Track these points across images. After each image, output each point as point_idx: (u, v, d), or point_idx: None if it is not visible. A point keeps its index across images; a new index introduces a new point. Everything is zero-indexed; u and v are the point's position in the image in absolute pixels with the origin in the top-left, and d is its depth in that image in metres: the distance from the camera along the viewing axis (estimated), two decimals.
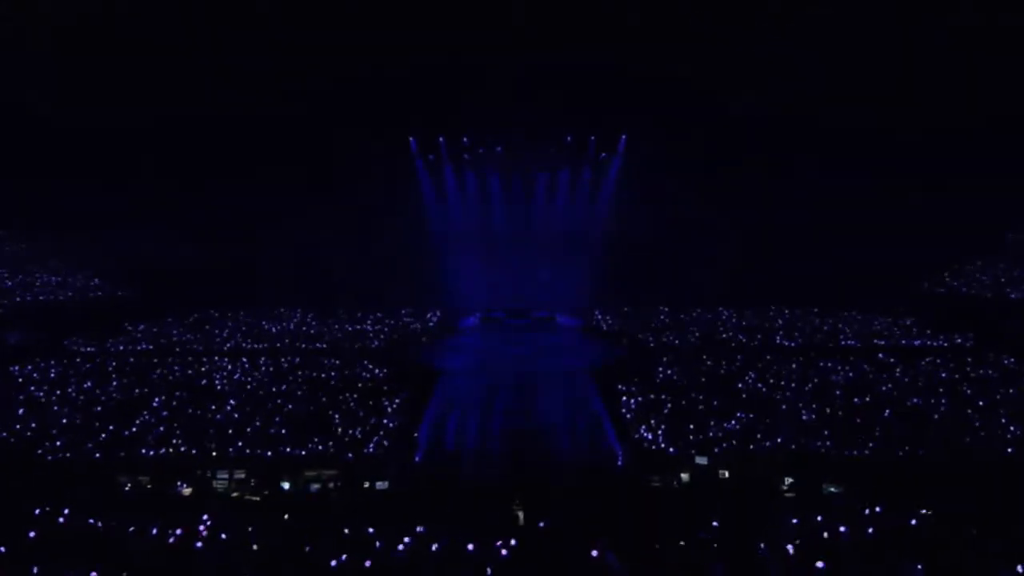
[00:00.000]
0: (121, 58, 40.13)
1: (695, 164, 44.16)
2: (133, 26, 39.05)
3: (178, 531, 13.35)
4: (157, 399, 24.44)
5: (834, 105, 42.52)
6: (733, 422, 21.54)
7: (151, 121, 43.25)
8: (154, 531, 13.46)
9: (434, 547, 12.71)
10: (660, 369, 28.59)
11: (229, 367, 29.64)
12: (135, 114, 42.74)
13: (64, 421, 21.96)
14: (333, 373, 28.49)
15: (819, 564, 11.28)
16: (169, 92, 42.00)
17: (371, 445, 20.14)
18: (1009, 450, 19.12)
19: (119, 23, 38.67)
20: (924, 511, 13.90)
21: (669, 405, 23.37)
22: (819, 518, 13.78)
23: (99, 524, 13.85)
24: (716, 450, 19.51)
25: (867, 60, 40.68)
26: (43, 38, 38.55)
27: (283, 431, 21.08)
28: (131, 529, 13.50)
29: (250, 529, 13.45)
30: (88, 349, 33.65)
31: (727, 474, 18.61)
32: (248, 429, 21.24)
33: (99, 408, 23.44)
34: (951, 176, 40.96)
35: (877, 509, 14.23)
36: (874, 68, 40.97)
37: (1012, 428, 20.53)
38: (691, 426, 21.23)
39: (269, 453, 19.55)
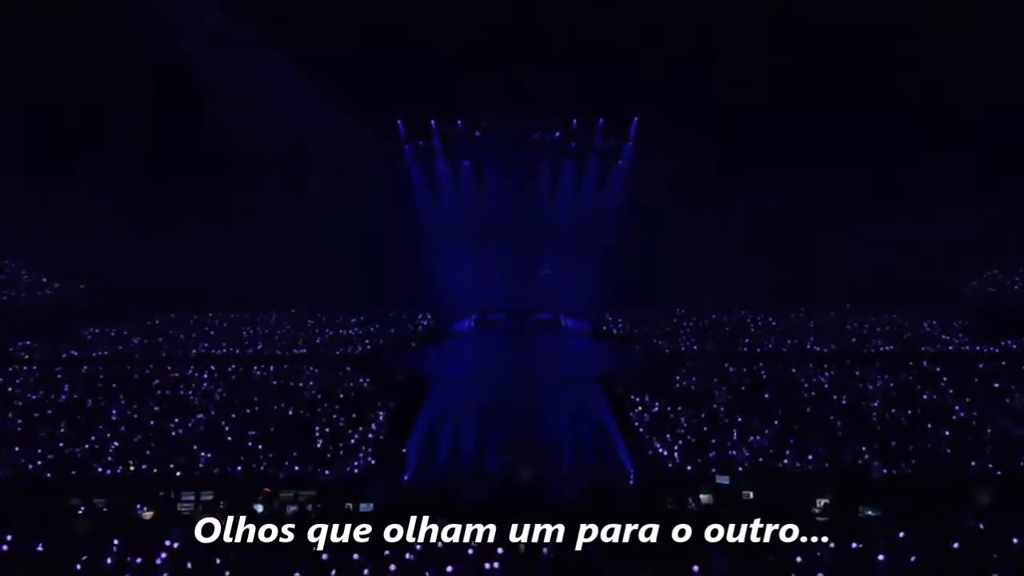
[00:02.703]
0: (75, 31, 39.88)
1: (716, 150, 43.90)
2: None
3: (137, 560, 13.27)
4: (114, 411, 24.33)
5: (872, 87, 42.34)
6: (758, 437, 21.47)
7: (110, 101, 42.96)
8: (109, 560, 13.38)
9: None
10: (677, 378, 28.54)
11: (196, 375, 29.53)
12: (90, 92, 42.44)
13: (9, 436, 21.81)
14: (312, 383, 28.37)
15: None
16: (127, 68, 41.67)
17: (354, 463, 20.05)
18: None
19: None
20: (973, 537, 13.81)
21: (687, 418, 23.31)
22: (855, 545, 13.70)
23: (48, 552, 13.77)
24: (739, 468, 19.44)
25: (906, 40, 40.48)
26: None
27: (257, 447, 20.99)
28: (84, 558, 13.41)
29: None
30: (37, 355, 33.45)
31: (752, 495, 18.52)
32: (217, 445, 21.13)
33: (49, 421, 23.28)
34: (1003, 159, 40.68)
35: (920, 534, 14.15)
36: (910, 49, 40.76)
37: None
38: (712, 441, 21.17)
39: (240, 468, 19.47)
